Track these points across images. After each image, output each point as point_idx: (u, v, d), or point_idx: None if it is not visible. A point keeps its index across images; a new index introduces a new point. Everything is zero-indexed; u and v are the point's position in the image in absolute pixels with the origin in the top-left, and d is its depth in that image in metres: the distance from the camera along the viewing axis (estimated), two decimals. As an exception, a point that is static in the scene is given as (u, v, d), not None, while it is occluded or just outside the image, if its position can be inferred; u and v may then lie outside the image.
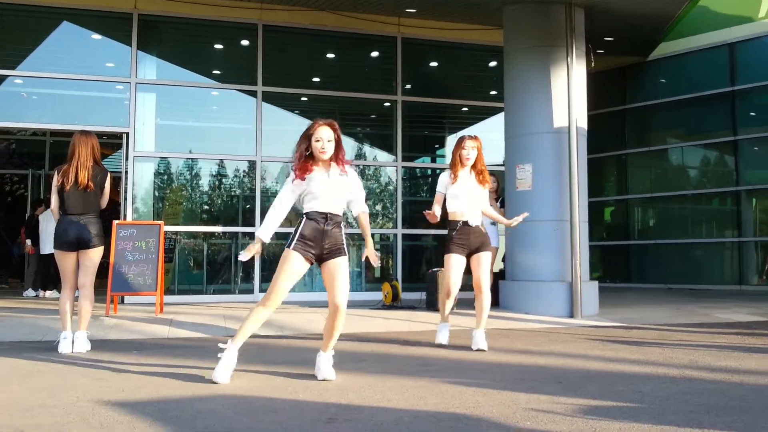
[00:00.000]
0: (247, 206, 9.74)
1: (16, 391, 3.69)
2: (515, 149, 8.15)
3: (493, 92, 10.63)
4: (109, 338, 5.83)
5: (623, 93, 13.21)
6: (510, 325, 6.70)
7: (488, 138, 10.96)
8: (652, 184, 13.01)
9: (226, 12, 9.42)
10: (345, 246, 3.98)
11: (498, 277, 8.32)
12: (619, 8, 8.44)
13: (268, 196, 9.89)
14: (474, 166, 5.31)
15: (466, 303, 8.33)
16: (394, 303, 8.17)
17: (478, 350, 5.07)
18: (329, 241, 3.92)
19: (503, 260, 8.55)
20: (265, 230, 3.99)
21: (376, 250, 10.86)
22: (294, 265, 3.90)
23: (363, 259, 4.35)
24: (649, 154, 13.03)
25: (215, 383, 3.79)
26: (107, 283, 7.30)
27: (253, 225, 9.44)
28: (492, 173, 8.69)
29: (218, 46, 10.03)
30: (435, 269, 7.94)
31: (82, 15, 9.17)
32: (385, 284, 8.37)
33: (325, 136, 3.94)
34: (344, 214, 4.11)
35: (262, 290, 9.26)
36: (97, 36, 9.44)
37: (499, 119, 9.47)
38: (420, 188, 11.32)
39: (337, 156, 4.00)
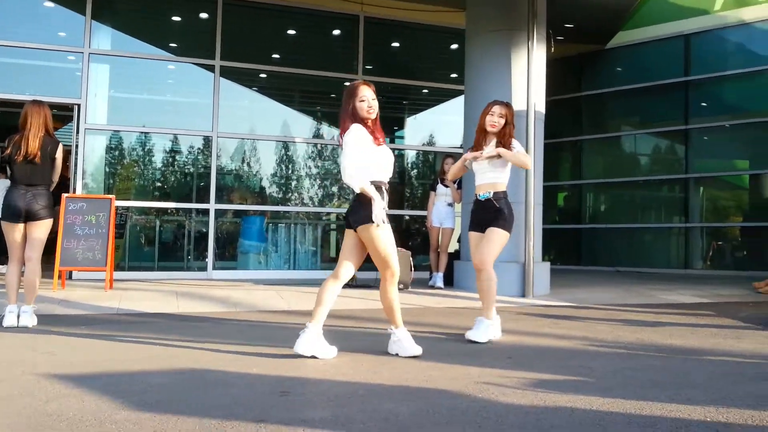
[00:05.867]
0: (202, 183, 9.58)
1: (-42, 363, 3.58)
2: (474, 132, 8.19)
3: (453, 75, 10.66)
4: (56, 313, 5.70)
5: (580, 80, 13.41)
6: (463, 303, 6.78)
7: (448, 120, 11.08)
8: (605, 170, 13.29)
9: (184, -17, 9.22)
10: None
11: (453, 257, 8.41)
12: (580, -5, 8.56)
13: (224, 174, 9.76)
14: (501, 136, 4.77)
15: (420, 282, 8.41)
16: (350, 282, 8.14)
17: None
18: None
19: (458, 241, 8.64)
20: (366, 179, 3.82)
21: (332, 229, 10.93)
22: (392, 236, 3.91)
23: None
24: (604, 141, 13.29)
25: (414, 355, 3.88)
26: (55, 258, 7.12)
27: (207, 201, 9.30)
28: (449, 155, 8.80)
29: (176, 19, 9.80)
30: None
31: (32, -19, 8.86)
32: (341, 263, 8.35)
33: (369, 95, 3.90)
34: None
35: (215, 267, 9.17)
36: (49, 3, 9.11)
37: (459, 102, 9.51)
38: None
39: (376, 121, 3.96)
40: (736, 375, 3.57)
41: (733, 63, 11.61)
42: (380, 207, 3.81)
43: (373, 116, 3.92)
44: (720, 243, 12.02)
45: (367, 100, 3.88)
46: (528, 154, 7.53)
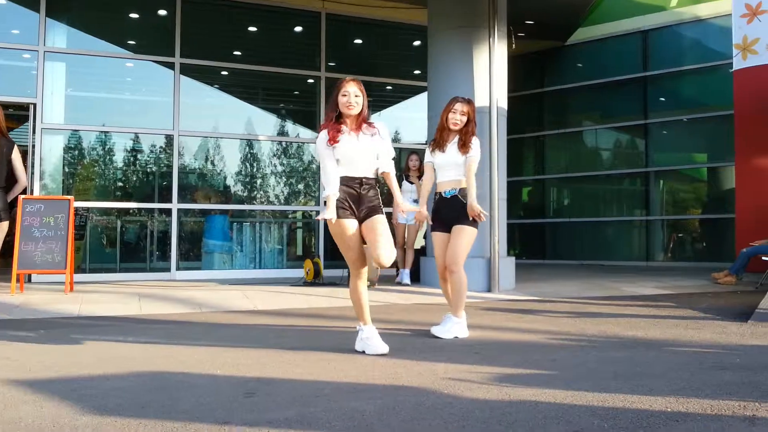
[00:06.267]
0: (164, 183, 9.43)
1: None
2: (437, 128, 8.21)
3: (417, 71, 10.68)
4: (14, 317, 5.55)
5: (542, 76, 13.57)
6: (430, 300, 6.80)
7: (412, 117, 11.10)
8: (567, 165, 13.48)
9: (141, -21, 9.05)
10: (380, 206, 4.03)
11: (419, 253, 8.44)
12: (540, -8, 8.65)
13: (186, 173, 9.63)
14: (463, 134, 4.68)
15: (387, 279, 8.42)
16: (316, 280, 8.15)
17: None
18: (365, 204, 3.96)
19: (424, 237, 8.67)
20: (334, 187, 3.89)
21: (298, 227, 10.88)
22: (348, 230, 3.92)
23: (394, 219, 4.30)
24: (565, 136, 13.47)
25: (381, 353, 3.88)
26: (12, 262, 6.93)
27: (170, 201, 9.16)
28: (414, 152, 8.82)
29: (134, 16, 9.61)
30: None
31: (-17, -23, 8.60)
32: (307, 261, 8.33)
33: (352, 91, 3.94)
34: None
35: (179, 268, 9.04)
36: (0, 0, 8.87)
37: (422, 98, 9.52)
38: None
39: (362, 114, 3.99)
40: (696, 365, 3.64)
41: (690, 58, 11.87)
42: (330, 208, 3.83)
43: (353, 112, 3.95)
44: (680, 235, 12.30)
45: (349, 95, 3.93)
46: (492, 149, 7.58)
